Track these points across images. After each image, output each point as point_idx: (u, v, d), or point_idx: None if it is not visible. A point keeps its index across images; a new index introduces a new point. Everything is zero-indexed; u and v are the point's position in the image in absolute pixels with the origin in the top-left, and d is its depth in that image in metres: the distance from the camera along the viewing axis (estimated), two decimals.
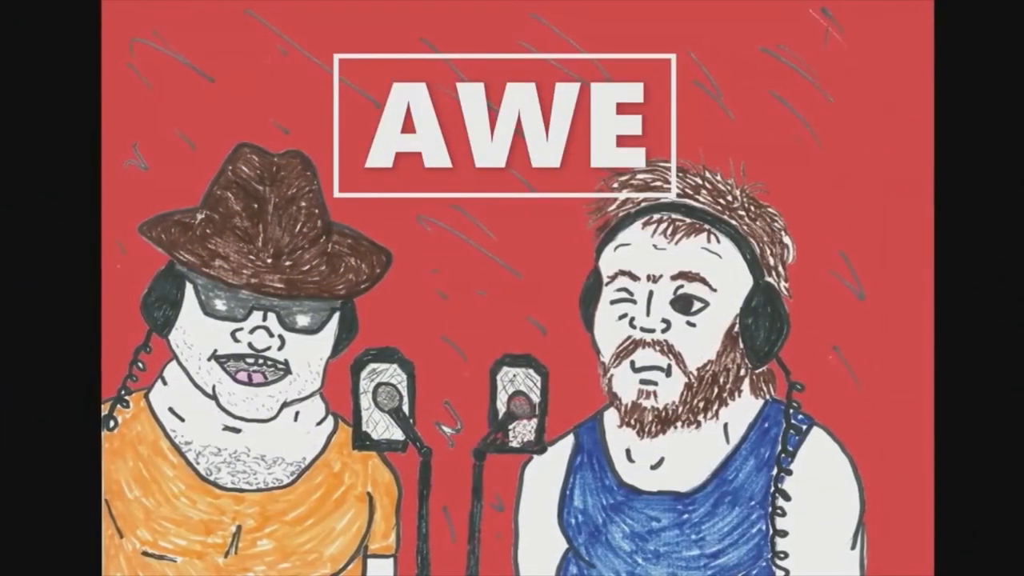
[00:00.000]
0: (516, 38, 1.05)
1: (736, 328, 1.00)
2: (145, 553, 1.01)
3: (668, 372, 0.98)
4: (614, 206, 1.03)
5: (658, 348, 0.98)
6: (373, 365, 1.00)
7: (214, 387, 1.00)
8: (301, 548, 1.02)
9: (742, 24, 1.03)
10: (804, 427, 1.02)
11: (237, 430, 1.02)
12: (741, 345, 1.00)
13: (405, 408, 0.99)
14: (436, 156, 1.06)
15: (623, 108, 1.05)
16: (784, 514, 0.99)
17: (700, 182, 1.02)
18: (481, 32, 1.05)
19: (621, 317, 1.00)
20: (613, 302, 1.01)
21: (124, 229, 1.02)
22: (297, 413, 1.03)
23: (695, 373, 0.99)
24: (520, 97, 1.05)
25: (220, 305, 0.99)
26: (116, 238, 1.03)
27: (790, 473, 1.00)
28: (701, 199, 1.01)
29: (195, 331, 1.00)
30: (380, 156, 1.06)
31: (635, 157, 1.05)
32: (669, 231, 1.00)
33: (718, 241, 1.00)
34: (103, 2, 1.02)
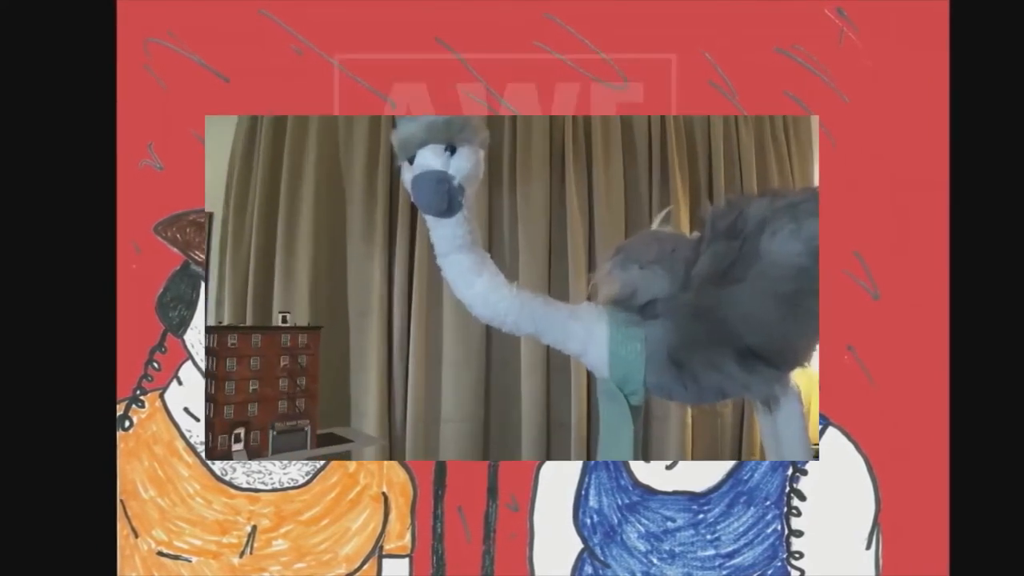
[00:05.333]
0: (524, 38, 1.04)
1: None
2: (160, 553, 1.01)
3: None
4: None
5: None
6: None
7: None
8: (316, 548, 1.02)
9: (757, 24, 1.02)
10: (819, 427, 1.02)
11: None
12: None
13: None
14: None
15: (623, 108, 1.05)
16: (799, 514, 0.99)
17: None
18: (490, 32, 1.05)
19: None
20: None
21: (139, 229, 1.02)
22: None
23: None
24: (520, 97, 1.05)
25: None
26: (131, 238, 1.03)
27: (805, 473, 1.00)
28: None
29: None
30: None
31: None
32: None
33: None
34: (118, 3, 1.02)
